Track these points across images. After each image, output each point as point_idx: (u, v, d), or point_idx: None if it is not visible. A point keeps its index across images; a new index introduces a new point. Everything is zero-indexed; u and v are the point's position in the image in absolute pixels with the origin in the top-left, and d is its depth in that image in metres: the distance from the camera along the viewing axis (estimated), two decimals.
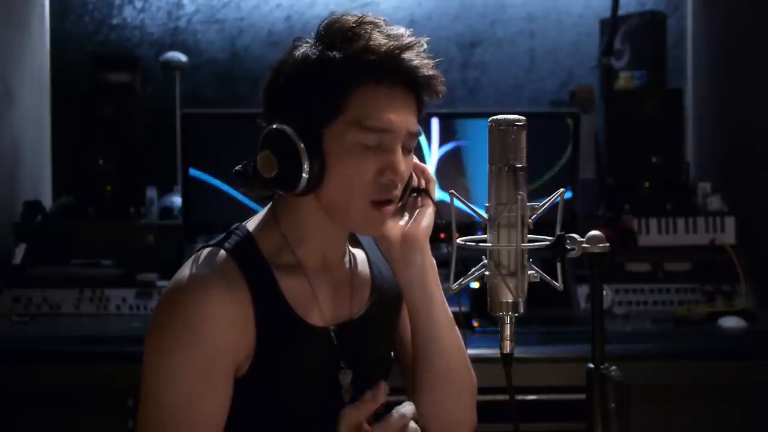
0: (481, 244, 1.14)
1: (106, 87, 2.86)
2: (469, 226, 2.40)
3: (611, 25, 2.95)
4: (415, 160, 1.39)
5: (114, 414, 2.19)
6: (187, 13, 3.16)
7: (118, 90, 2.86)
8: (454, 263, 1.16)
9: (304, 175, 1.26)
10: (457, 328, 1.44)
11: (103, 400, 2.20)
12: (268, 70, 1.34)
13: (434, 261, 1.40)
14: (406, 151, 1.32)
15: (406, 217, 1.39)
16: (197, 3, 3.16)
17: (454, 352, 1.43)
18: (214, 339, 1.25)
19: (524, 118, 1.14)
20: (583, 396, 1.13)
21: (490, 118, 1.14)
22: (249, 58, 3.16)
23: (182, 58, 2.98)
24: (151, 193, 2.84)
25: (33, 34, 3.04)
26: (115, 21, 3.15)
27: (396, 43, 1.27)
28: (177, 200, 2.84)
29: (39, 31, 3.08)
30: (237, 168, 1.34)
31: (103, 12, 3.15)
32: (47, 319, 2.52)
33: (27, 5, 3.01)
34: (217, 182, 2.69)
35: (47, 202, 2.96)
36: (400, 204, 1.37)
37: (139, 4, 3.15)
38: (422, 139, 2.62)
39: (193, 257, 1.33)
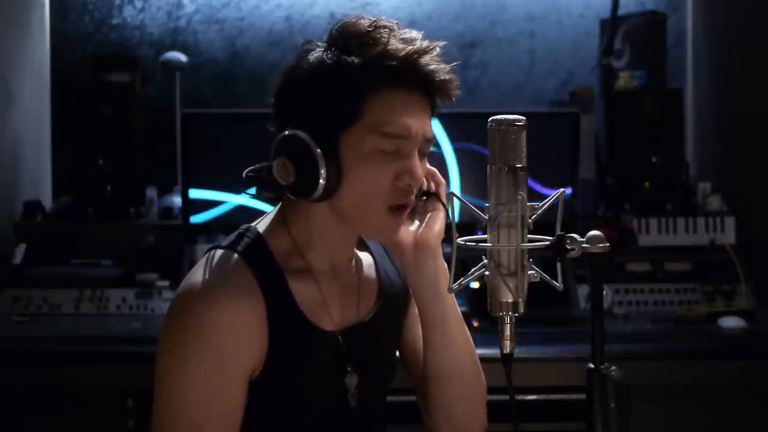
0: (481, 244, 1.14)
1: (106, 87, 2.86)
2: (469, 225, 2.42)
3: (611, 25, 2.95)
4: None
5: (114, 414, 2.19)
6: (187, 13, 3.16)
7: (118, 90, 2.86)
8: (454, 263, 1.16)
9: (321, 181, 1.25)
10: (467, 330, 1.44)
11: (103, 400, 2.20)
12: (279, 74, 1.32)
13: (446, 265, 1.39)
14: (422, 156, 1.32)
15: (417, 222, 1.38)
16: (197, 3, 3.16)
17: (465, 355, 1.43)
18: (229, 344, 1.25)
19: (524, 118, 1.14)
20: (583, 396, 1.13)
21: (490, 118, 1.14)
22: (249, 58, 3.16)
23: (182, 58, 2.98)
24: (151, 193, 2.84)
25: (33, 34, 3.04)
26: (115, 21, 3.15)
27: (414, 47, 1.27)
28: (177, 200, 2.84)
29: (39, 31, 3.08)
30: (249, 173, 1.33)
31: (103, 12, 3.15)
32: (47, 319, 2.52)
33: (27, 5, 3.01)
34: (217, 182, 2.69)
35: (47, 202, 2.96)
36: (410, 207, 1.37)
37: (139, 4, 3.15)
38: None
39: (204, 259, 1.31)
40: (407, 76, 1.27)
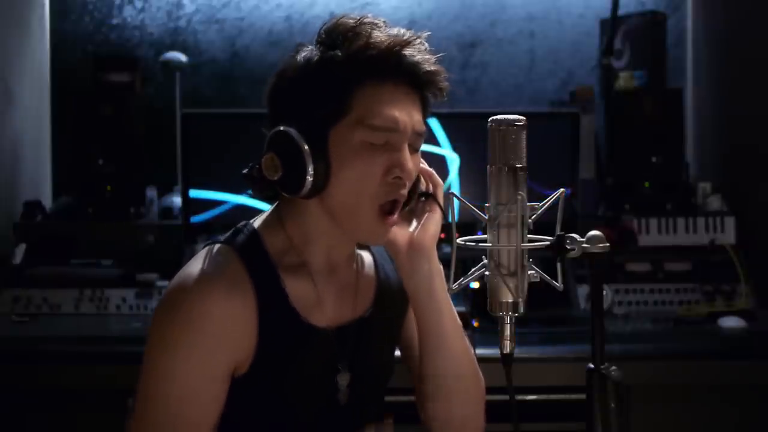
0: (481, 244, 1.14)
1: (106, 87, 2.86)
2: (469, 225, 2.42)
3: (611, 25, 2.95)
4: (423, 163, 1.39)
5: (114, 414, 2.18)
6: (187, 13, 3.16)
7: (118, 90, 2.86)
8: (454, 263, 1.16)
9: (308, 177, 1.26)
10: (464, 333, 1.44)
11: (103, 400, 2.19)
12: (272, 76, 1.33)
13: (441, 267, 1.40)
14: (413, 150, 1.32)
15: (414, 223, 1.38)
16: (197, 3, 3.16)
17: (461, 359, 1.43)
18: (216, 338, 1.25)
19: (524, 118, 1.14)
20: (583, 396, 1.13)
21: (490, 118, 1.14)
22: (249, 58, 3.16)
23: (182, 58, 2.98)
24: (151, 193, 2.84)
25: (33, 34, 3.04)
26: (115, 21, 3.15)
27: (395, 39, 1.27)
28: (177, 200, 2.84)
29: (39, 31, 3.08)
30: (244, 171, 1.34)
31: (103, 12, 3.15)
32: (47, 319, 2.52)
33: (27, 5, 3.01)
34: (217, 182, 2.69)
35: (47, 202, 2.96)
36: (407, 208, 1.37)
37: (139, 4, 3.15)
38: None
39: (200, 253, 1.33)
40: (391, 67, 1.27)
